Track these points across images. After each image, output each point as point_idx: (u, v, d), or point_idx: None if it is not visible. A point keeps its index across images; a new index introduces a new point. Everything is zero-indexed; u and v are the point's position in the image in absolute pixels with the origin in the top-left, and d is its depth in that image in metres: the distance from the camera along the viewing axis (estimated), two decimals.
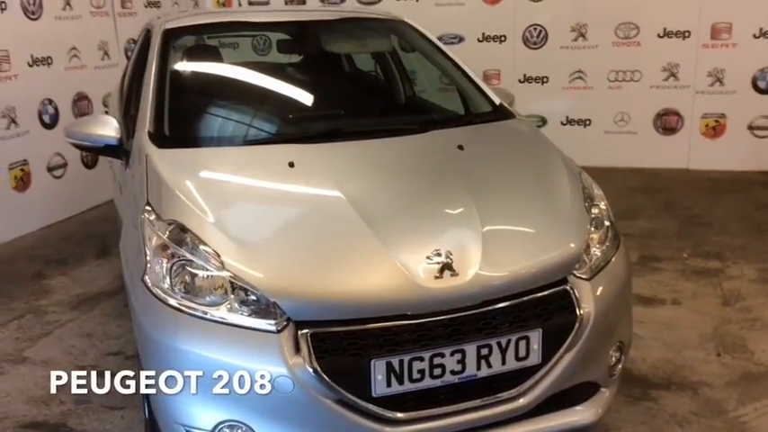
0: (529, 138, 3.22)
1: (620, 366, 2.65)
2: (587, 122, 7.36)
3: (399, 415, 2.21)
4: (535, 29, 7.27)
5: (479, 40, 7.46)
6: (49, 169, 5.73)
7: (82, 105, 6.02)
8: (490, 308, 2.28)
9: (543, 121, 7.44)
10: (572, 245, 2.49)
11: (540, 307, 2.35)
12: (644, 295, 4.09)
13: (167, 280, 2.28)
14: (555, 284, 2.40)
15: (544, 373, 2.35)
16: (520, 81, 7.42)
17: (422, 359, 2.18)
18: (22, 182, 5.43)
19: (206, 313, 2.20)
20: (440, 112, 3.61)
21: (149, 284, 2.30)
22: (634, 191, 6.31)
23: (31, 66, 5.49)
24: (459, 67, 3.61)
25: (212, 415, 2.20)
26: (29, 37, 5.46)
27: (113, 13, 6.41)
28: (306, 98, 3.37)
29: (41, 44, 5.57)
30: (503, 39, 7.40)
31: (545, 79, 7.36)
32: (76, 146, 3.12)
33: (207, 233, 2.32)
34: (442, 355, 2.21)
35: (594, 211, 2.71)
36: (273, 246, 2.35)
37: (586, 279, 2.47)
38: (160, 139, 2.85)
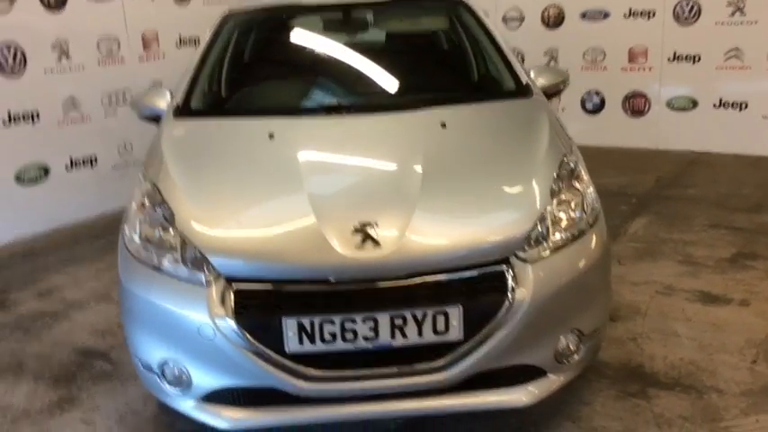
0: (526, 117, 3.13)
1: (576, 356, 2.58)
2: (743, 106, 6.71)
3: (313, 371, 2.36)
4: (687, 3, 6.74)
5: (626, 16, 7.08)
6: None
7: None
8: (408, 282, 2.34)
9: (693, 104, 6.93)
10: (515, 228, 2.45)
11: (467, 285, 2.36)
12: (711, 293, 3.80)
13: (136, 232, 2.61)
14: (491, 264, 2.40)
15: (467, 349, 2.37)
16: (669, 60, 6.96)
17: (333, 322, 2.31)
18: None
19: (159, 264, 2.50)
20: (454, 91, 3.57)
21: (125, 235, 2.65)
22: None
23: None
24: (498, 47, 3.56)
25: (157, 353, 2.51)
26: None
27: None
28: (325, 75, 3.54)
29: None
30: (652, 14, 6.95)
31: (697, 58, 6.82)
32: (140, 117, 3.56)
33: (171, 194, 2.63)
34: (354, 321, 2.32)
35: (567, 195, 2.63)
36: (220, 208, 2.59)
37: (529, 262, 2.43)
38: (180, 111, 3.20)
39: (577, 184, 2.71)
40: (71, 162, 5.65)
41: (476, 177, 2.68)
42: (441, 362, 2.38)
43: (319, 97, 3.38)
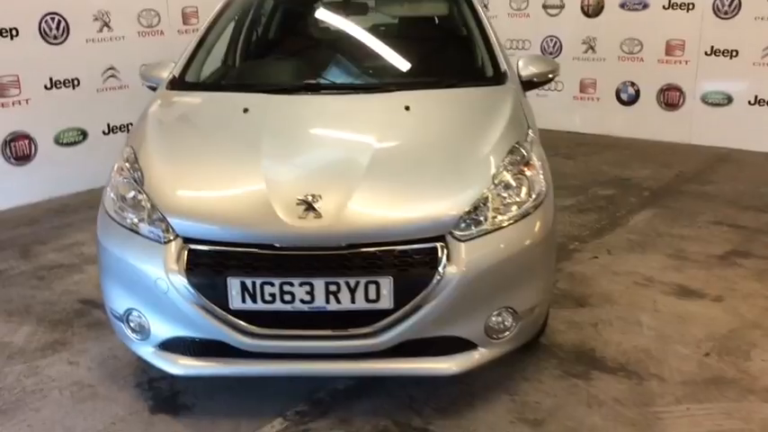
0: (489, 104, 3.24)
1: (508, 333, 2.72)
2: None
3: (254, 328, 2.58)
4: None
5: (665, 8, 7.02)
6: None
7: None
8: (343, 251, 2.53)
9: (728, 100, 6.83)
10: (452, 208, 2.60)
11: (399, 258, 2.53)
12: (689, 287, 3.86)
13: (112, 192, 2.87)
14: (426, 240, 2.56)
15: (397, 318, 2.55)
16: (706, 54, 6.88)
17: (272, 284, 2.52)
18: None
19: (127, 223, 2.76)
20: (429, 76, 3.63)
21: (106, 194, 2.92)
22: None
23: None
24: (485, 36, 3.68)
25: (124, 303, 2.76)
26: None
27: None
28: (312, 55, 3.73)
29: None
30: (691, 6, 6.88)
31: (734, 53, 6.72)
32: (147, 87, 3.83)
33: (146, 159, 2.88)
34: (291, 284, 2.51)
35: (513, 180, 2.76)
36: (184, 173, 2.82)
37: (462, 241, 2.58)
38: (173, 83, 3.44)
39: (527, 170, 2.83)
40: (108, 128, 6.01)
41: (424, 159, 2.84)
42: (372, 328, 2.56)
43: (300, 76, 3.59)
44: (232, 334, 2.59)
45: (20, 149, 5.51)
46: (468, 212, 2.61)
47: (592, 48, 7.54)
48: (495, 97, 3.25)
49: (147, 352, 2.78)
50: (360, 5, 4.10)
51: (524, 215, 2.73)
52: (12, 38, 5.33)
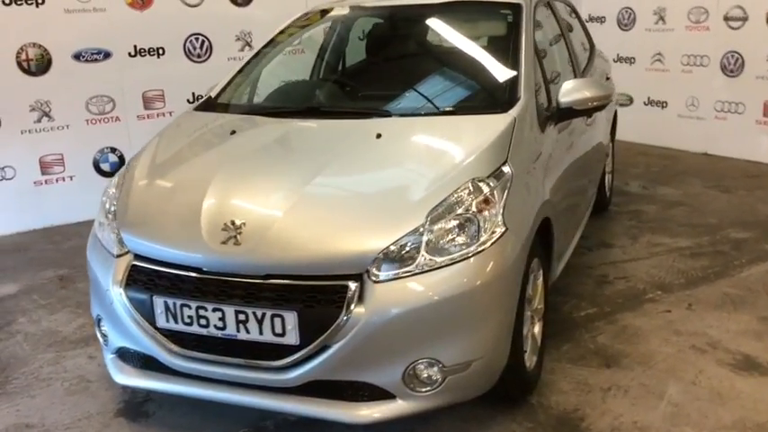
0: (469, 134, 2.94)
1: (432, 387, 2.49)
2: None
3: (175, 347, 2.64)
4: None
5: None
6: None
7: None
8: (256, 281, 2.49)
9: None
10: (369, 245, 2.45)
11: (306, 293, 2.44)
12: (756, 359, 3.23)
13: (103, 204, 3.08)
14: (339, 277, 2.43)
15: (304, 356, 2.46)
16: None
17: (189, 307, 2.56)
18: None
19: (99, 236, 2.95)
20: (426, 102, 3.39)
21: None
22: None
23: None
24: (516, 56, 3.36)
25: (95, 309, 2.97)
26: None
27: None
28: (331, 80, 3.65)
29: None
30: None
31: None
32: None
33: (130, 173, 3.07)
34: (205, 309, 2.53)
35: (456, 220, 2.51)
36: (148, 191, 2.96)
37: (378, 281, 2.42)
38: (203, 104, 3.60)
39: (482, 209, 2.56)
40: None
41: (367, 191, 2.71)
42: (281, 363, 2.49)
43: (308, 100, 3.56)
44: (160, 351, 2.67)
45: None
46: (388, 252, 2.43)
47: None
48: (482, 127, 2.95)
49: (108, 357, 2.96)
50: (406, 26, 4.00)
51: (463, 258, 2.47)
52: (158, 56, 5.91)
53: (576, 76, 4.14)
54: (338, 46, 4.15)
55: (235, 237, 2.54)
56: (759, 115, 6.75)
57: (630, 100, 7.86)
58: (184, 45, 6.03)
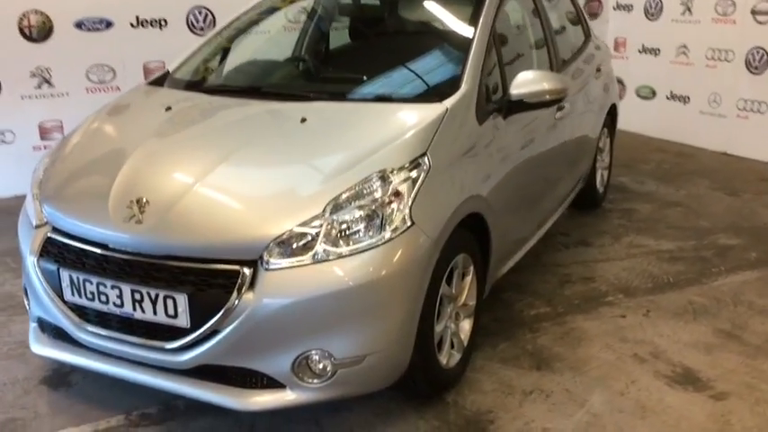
0: (391, 124, 2.86)
1: (322, 379, 2.45)
2: None
3: (79, 321, 2.65)
4: None
5: None
6: None
7: None
8: (146, 260, 2.49)
9: None
10: (263, 233, 2.42)
11: (197, 276, 2.42)
12: (696, 374, 3.09)
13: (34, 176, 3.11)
14: (233, 262, 2.41)
15: (193, 339, 2.45)
16: None
17: (91, 282, 2.56)
18: None
19: (28, 207, 2.98)
20: (366, 86, 3.31)
21: None
22: None
23: None
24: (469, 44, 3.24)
25: (24, 279, 2.99)
26: None
27: None
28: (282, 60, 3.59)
29: None
30: None
31: None
32: None
33: (61, 145, 3.07)
34: (105, 286, 2.54)
35: (361, 210, 2.45)
36: (69, 163, 2.97)
37: (269, 269, 2.39)
38: (157, 79, 3.59)
39: (389, 202, 2.49)
40: None
41: (273, 178, 2.67)
42: (172, 345, 2.49)
43: (246, 79, 3.52)
44: (68, 324, 2.69)
45: None
46: (283, 241, 2.39)
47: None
48: (410, 117, 2.86)
49: (31, 326, 2.98)
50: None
51: (362, 251, 2.41)
52: (161, 27, 5.94)
53: (552, 67, 3.99)
54: (301, 28, 4.08)
55: (138, 215, 2.53)
56: None
57: (653, 93, 7.58)
58: (187, 17, 6.04)
